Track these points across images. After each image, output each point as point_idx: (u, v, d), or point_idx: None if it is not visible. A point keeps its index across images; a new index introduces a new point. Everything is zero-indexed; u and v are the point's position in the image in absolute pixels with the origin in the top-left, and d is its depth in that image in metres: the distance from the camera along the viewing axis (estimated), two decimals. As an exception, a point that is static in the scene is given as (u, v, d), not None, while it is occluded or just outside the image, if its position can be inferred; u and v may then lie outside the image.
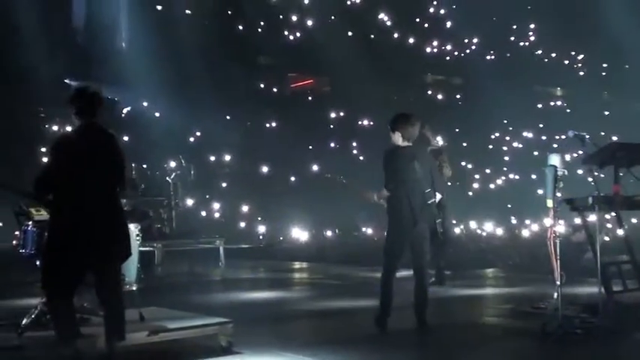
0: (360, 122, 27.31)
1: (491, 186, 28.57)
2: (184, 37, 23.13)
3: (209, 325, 7.36)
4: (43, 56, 19.86)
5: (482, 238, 20.97)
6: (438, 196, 8.37)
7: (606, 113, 31.71)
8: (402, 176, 8.29)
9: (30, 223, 7.47)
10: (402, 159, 8.39)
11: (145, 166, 17.13)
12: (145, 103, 23.31)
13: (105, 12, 22.50)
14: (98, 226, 6.35)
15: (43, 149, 17.18)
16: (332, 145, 26.97)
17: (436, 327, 8.22)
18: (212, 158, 24.19)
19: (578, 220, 12.00)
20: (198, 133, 23.86)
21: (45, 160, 13.55)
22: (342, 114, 27.97)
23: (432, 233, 8.29)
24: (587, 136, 8.04)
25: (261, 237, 22.21)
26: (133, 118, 22.40)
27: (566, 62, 33.08)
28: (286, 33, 27.65)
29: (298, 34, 27.76)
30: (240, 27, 26.44)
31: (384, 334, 8.14)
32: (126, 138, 18.05)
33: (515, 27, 31.60)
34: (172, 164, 17.29)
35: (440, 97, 30.97)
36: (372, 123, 26.74)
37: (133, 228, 8.46)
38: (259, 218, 23.15)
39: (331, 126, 27.95)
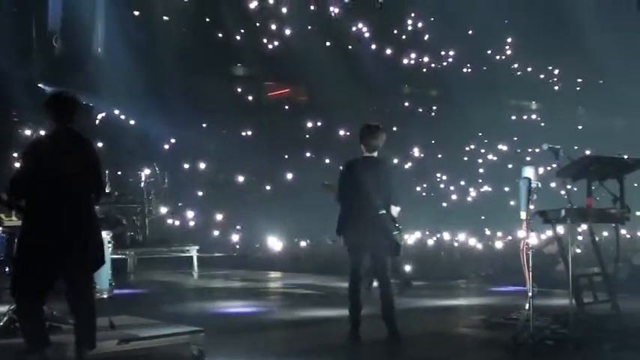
0: (336, 132, 27.33)
1: (466, 198, 28.73)
2: (161, 44, 23.05)
3: (180, 333, 7.31)
4: (17, 60, 19.69)
5: (456, 249, 21.02)
6: (396, 209, 8.37)
7: (580, 127, 31.98)
8: (356, 187, 8.33)
9: (0, 228, 7.40)
10: (358, 169, 8.45)
11: (119, 172, 17.04)
12: (120, 110, 23.17)
13: (81, 16, 22.32)
14: (71, 233, 6.28)
15: (16, 154, 17.03)
16: (307, 154, 26.98)
17: (408, 337, 8.22)
18: (187, 166, 24.10)
19: (550, 233, 12.10)
20: (173, 141, 23.74)
21: (17, 164, 13.41)
22: (318, 124, 27.98)
23: (390, 244, 8.28)
24: (561, 150, 8.08)
25: (237, 246, 22.12)
26: (108, 125, 22.25)
27: (542, 76, 33.32)
28: (264, 41, 27.63)
29: (276, 43, 27.75)
30: (219, 35, 26.37)
31: (356, 344, 8.13)
32: (100, 144, 17.95)
33: (491, 41, 31.77)
34: (146, 171, 17.21)
35: (416, 108, 31.08)
36: (348, 133, 26.77)
37: (105, 235, 8.40)
38: (238, 227, 23.06)
39: (307, 136, 27.96)
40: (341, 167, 8.86)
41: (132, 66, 21.11)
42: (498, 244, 21.28)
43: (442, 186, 29.04)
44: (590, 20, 26.16)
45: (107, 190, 13.98)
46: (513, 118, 32.93)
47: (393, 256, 8.52)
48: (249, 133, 26.38)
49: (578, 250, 15.82)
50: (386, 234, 8.20)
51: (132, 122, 23.15)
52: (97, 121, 22.25)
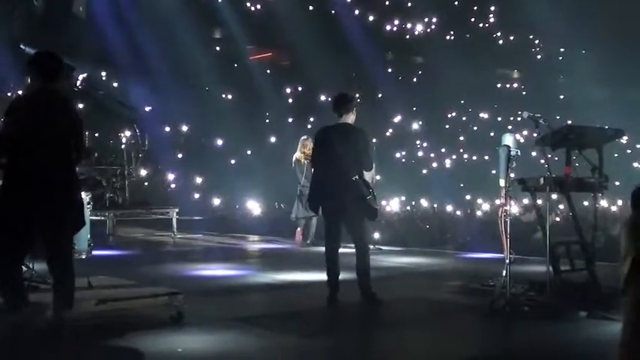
0: (317, 97, 27.26)
1: (446, 165, 28.82)
2: (144, 6, 22.83)
3: (159, 295, 7.31)
4: (-2, 20, 19.48)
5: (435, 215, 21.10)
6: (369, 174, 8.37)
7: (561, 97, 32.06)
8: (328, 153, 8.37)
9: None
10: (331, 136, 8.52)
11: (97, 134, 16.94)
12: (101, 72, 22.99)
13: (62, -23, 22.06)
14: (52, 193, 6.25)
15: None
16: (290, 120, 26.92)
17: (385, 301, 8.28)
18: (167, 129, 24.00)
19: (527, 201, 12.20)
20: (154, 103, 23.61)
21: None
22: (300, 89, 27.90)
23: (365, 209, 8.29)
24: (542, 118, 8.11)
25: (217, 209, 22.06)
26: (89, 86, 22.07)
27: (524, 45, 33.31)
28: (247, 5, 27.44)
29: (259, 6, 27.56)
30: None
31: (334, 307, 8.18)
32: (81, 105, 17.81)
33: (475, 8, 31.69)
34: (127, 133, 17.11)
35: (398, 75, 31.03)
36: (329, 99, 26.70)
37: (85, 196, 8.37)
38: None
39: (289, 100, 27.89)
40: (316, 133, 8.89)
41: (114, 28, 20.94)
42: (478, 212, 21.37)
43: (422, 153, 29.10)
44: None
45: (88, 152, 14.00)
46: (498, 86, 32.97)
47: (369, 220, 8.53)
48: (230, 96, 26.26)
49: (557, 219, 15.97)
50: (360, 199, 8.21)
51: (113, 84, 23.00)
52: (79, 82, 22.07)
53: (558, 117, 21.89)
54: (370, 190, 8.32)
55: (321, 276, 8.64)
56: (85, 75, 21.83)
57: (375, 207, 8.31)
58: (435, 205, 22.64)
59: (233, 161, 25.32)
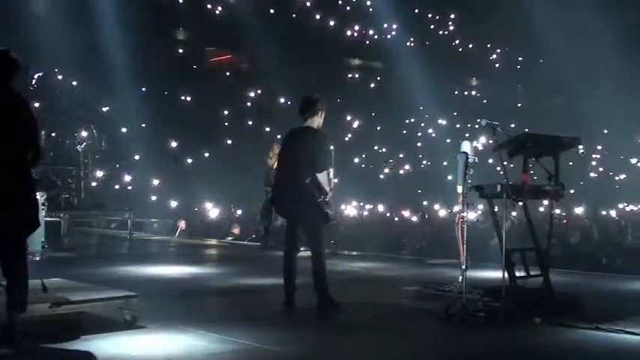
0: (276, 101, 27.26)
1: (404, 170, 28.98)
2: (102, 6, 22.62)
3: (114, 298, 7.23)
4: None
5: (392, 220, 21.21)
6: (322, 176, 8.29)
7: (519, 105, 32.43)
8: (286, 157, 8.46)
9: None
10: (290, 140, 8.59)
11: (53, 134, 16.74)
12: (58, 71, 22.73)
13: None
14: (6, 194, 6.15)
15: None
16: (248, 122, 26.88)
17: (343, 306, 8.27)
18: (124, 130, 23.80)
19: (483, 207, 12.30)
20: (111, 104, 23.39)
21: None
22: (259, 92, 27.87)
23: (318, 213, 8.26)
24: (499, 126, 8.17)
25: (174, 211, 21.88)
26: (44, 85, 21.80)
27: (484, 53, 33.65)
28: (208, 7, 27.34)
29: (220, 9, 27.48)
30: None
31: (290, 311, 8.16)
32: (36, 104, 17.59)
33: (435, 16, 31.95)
34: (83, 134, 16.94)
35: (358, 80, 31.15)
36: (289, 103, 26.73)
37: (39, 197, 8.25)
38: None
39: (248, 103, 27.83)
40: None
41: (71, 27, 20.71)
42: (435, 218, 21.52)
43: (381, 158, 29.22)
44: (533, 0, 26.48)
45: (43, 152, 13.81)
46: (456, 93, 33.24)
47: (323, 223, 8.48)
48: (189, 98, 26.15)
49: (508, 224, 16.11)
50: (311, 202, 8.18)
51: (69, 83, 22.75)
52: (34, 81, 21.80)
53: (515, 125, 22.14)
54: (323, 193, 8.24)
55: (278, 280, 8.62)
56: (40, 74, 21.59)
57: (326, 210, 8.26)
58: (391, 211, 22.76)
59: (190, 161, 25.18)
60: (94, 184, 17.93)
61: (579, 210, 23.54)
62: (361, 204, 23.19)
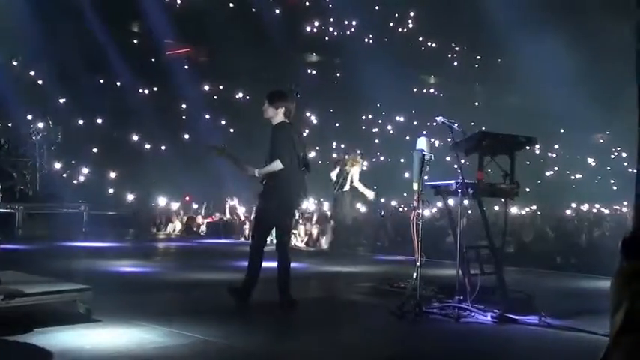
0: (235, 95, 27.19)
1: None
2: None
3: (68, 291, 7.18)
4: None
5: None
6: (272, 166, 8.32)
7: (476, 104, 32.69)
8: (296, 151, 8.33)
9: None
10: (294, 134, 8.44)
11: (10, 125, 16.55)
12: (13, 61, 22.46)
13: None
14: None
15: None
16: (206, 116, 26.77)
17: (299, 302, 8.28)
18: (81, 122, 23.56)
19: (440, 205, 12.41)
20: (68, 96, 23.14)
21: None
22: (219, 86, 27.78)
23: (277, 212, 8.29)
24: (456, 124, 8.24)
25: (131, 205, 21.70)
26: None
27: (442, 51, 33.87)
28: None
29: (179, 1, 27.34)
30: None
31: (245, 306, 8.14)
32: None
33: (395, 14, 32.08)
34: (40, 125, 16.75)
35: (316, 75, 31.17)
36: (247, 97, 26.69)
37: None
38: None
39: (206, 97, 27.74)
40: (280, 129, 8.69)
41: (27, 17, 20.46)
42: (392, 214, 21.61)
43: (336, 155, 29.24)
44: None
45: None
46: (415, 90, 33.41)
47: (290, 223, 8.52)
48: (147, 91, 25.97)
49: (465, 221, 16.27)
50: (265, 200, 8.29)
51: (26, 74, 22.50)
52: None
53: (473, 123, 22.34)
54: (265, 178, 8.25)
55: (237, 275, 8.61)
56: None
57: (250, 173, 8.29)
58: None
59: (147, 157, 25.02)
60: (49, 175, 17.73)
61: (533, 208, 23.85)
62: (321, 200, 23.19)
